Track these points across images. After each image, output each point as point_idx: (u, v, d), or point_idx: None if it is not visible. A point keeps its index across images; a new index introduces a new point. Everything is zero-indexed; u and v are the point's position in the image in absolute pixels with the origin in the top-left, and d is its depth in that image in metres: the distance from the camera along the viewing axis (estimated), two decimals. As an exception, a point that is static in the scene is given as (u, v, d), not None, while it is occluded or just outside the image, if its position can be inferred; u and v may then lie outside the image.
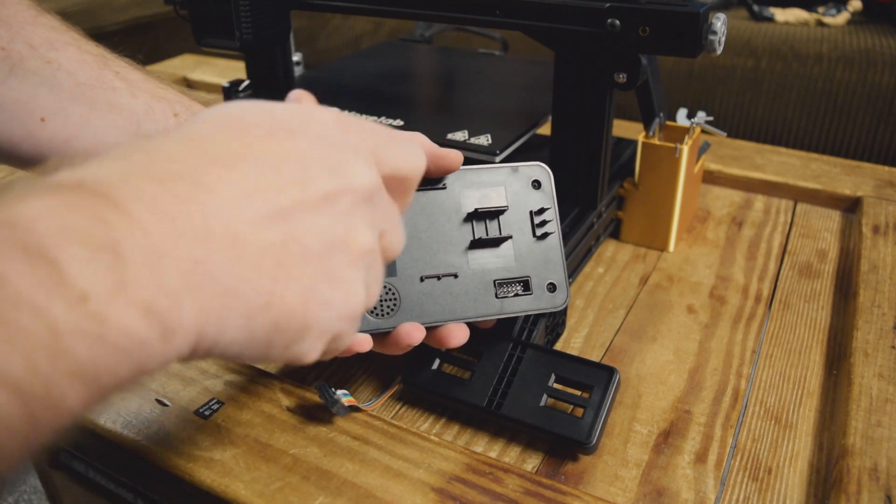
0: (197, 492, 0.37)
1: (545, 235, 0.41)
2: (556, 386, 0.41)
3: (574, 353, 0.48)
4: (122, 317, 0.19)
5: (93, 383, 0.18)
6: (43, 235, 0.18)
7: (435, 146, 0.39)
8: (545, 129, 0.57)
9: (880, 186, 0.68)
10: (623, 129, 0.80)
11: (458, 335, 0.39)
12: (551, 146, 0.54)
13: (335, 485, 0.37)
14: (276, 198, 0.23)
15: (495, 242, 0.41)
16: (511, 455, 0.40)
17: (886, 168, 0.72)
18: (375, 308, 0.39)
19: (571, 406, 0.40)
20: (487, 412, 0.40)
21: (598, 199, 0.55)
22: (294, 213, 0.24)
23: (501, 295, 0.40)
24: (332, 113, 0.28)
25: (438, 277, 0.40)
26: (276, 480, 0.37)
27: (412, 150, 0.31)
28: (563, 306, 0.41)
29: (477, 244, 0.40)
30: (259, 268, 0.22)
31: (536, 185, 0.42)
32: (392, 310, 0.39)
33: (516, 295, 0.41)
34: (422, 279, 0.39)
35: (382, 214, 0.29)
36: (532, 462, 0.40)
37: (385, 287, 0.39)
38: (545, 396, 0.40)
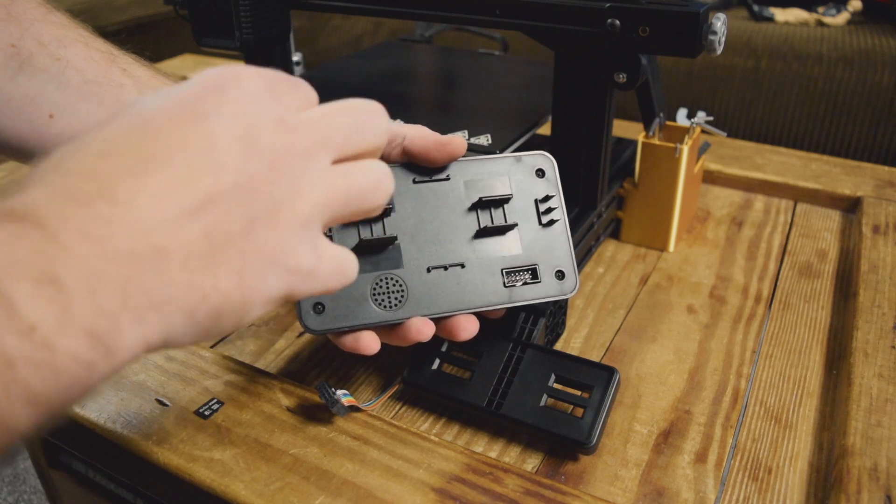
0: (197, 492, 0.37)
1: (551, 223, 0.41)
2: (556, 386, 0.41)
3: (574, 353, 0.48)
4: (68, 344, 0.20)
5: (44, 406, 0.20)
6: None
7: (437, 134, 0.39)
8: (545, 129, 0.57)
9: (880, 186, 0.68)
10: (623, 129, 0.80)
11: (468, 327, 0.39)
12: (551, 146, 0.54)
13: (335, 485, 0.37)
14: (190, 192, 0.23)
15: (501, 230, 0.40)
16: (511, 455, 0.40)
17: (886, 168, 0.72)
18: (383, 300, 0.39)
19: (571, 406, 0.40)
20: (487, 412, 0.40)
21: (598, 199, 0.55)
22: (210, 202, 0.24)
23: (510, 284, 0.40)
24: (260, 80, 0.27)
25: (445, 268, 0.39)
26: (276, 480, 0.37)
27: (302, 88, 0.29)
28: (573, 293, 0.41)
29: (483, 233, 0.40)
30: (188, 268, 0.23)
31: (540, 173, 0.41)
32: (399, 301, 0.39)
33: (525, 283, 0.40)
34: (429, 270, 0.39)
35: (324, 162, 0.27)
36: (532, 462, 0.40)
37: (392, 279, 0.39)
38: (545, 396, 0.40)
